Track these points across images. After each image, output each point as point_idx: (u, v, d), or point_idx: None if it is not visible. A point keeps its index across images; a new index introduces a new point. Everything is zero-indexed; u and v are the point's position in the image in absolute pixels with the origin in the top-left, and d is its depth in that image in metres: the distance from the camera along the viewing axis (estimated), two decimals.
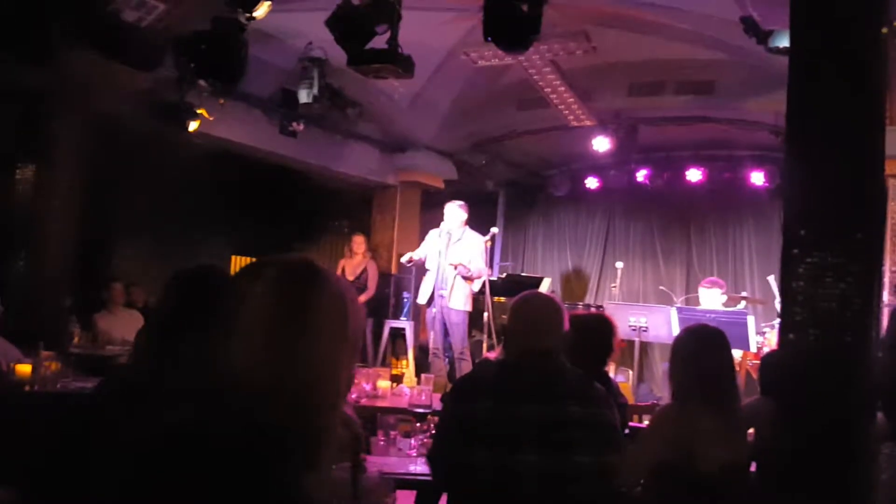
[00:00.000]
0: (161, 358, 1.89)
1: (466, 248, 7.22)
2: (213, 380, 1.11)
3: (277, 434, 1.07)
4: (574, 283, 11.11)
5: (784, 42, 5.12)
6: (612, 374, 4.98)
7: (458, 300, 7.20)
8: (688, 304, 8.12)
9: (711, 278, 7.65)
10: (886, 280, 5.61)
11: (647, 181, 9.76)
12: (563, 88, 7.75)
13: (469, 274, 7.14)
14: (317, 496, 1.08)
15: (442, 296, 7.17)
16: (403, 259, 7.50)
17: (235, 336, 1.11)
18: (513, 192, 11.64)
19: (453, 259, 7.11)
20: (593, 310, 7.65)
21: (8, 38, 5.30)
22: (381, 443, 3.45)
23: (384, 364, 8.11)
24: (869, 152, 2.68)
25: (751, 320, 6.28)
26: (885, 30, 2.71)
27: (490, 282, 7.41)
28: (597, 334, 3.52)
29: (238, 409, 1.07)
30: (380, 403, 4.78)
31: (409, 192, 10.04)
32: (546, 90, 7.78)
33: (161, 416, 1.17)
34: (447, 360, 7.35)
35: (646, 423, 4.19)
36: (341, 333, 1.16)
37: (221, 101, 7.09)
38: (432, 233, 7.43)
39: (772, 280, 7.48)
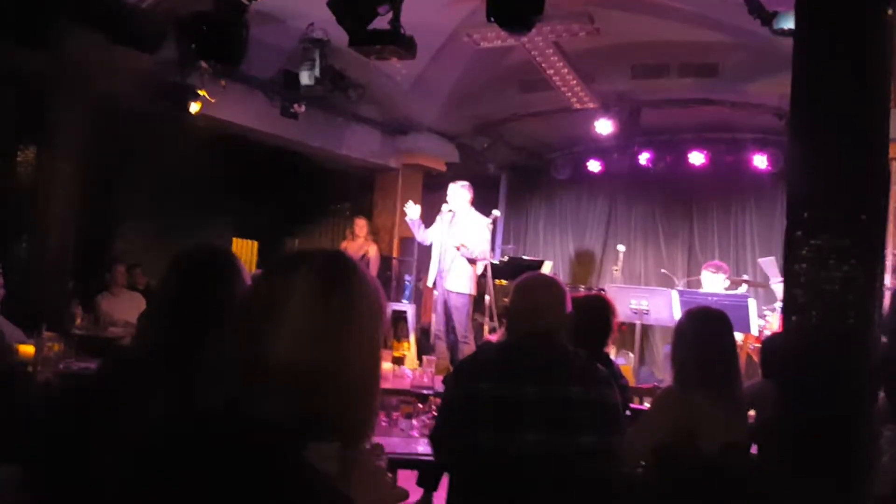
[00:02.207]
0: (164, 340, 1.89)
1: (468, 229, 7.21)
2: (253, 367, 1.12)
3: (318, 418, 1.11)
4: (576, 266, 11.11)
5: (789, 24, 5.09)
6: (613, 357, 5.00)
7: (457, 282, 7.20)
8: (689, 287, 8.12)
9: (716, 262, 7.63)
10: (889, 263, 5.60)
11: (650, 164, 9.72)
12: (565, 70, 7.72)
13: (471, 255, 7.13)
14: (350, 478, 1.11)
15: (443, 277, 7.19)
16: (408, 210, 7.46)
17: (280, 325, 1.14)
18: (515, 176, 11.61)
19: (454, 240, 7.11)
20: (594, 292, 7.65)
21: (8, 20, 5.28)
22: (384, 424, 3.47)
23: (385, 347, 8.10)
24: (873, 135, 2.67)
25: (752, 303, 6.28)
26: (889, 11, 2.69)
27: (492, 265, 7.41)
28: (595, 315, 3.52)
29: (283, 394, 1.10)
30: (382, 385, 4.79)
31: (410, 175, 10.01)
32: (549, 72, 7.75)
33: (184, 398, 1.19)
34: (449, 342, 7.36)
35: (647, 405, 4.20)
36: (378, 321, 1.22)
37: (223, 82, 7.07)
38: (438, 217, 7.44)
39: (764, 263, 7.49)
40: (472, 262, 7.22)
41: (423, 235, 7.50)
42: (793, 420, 2.67)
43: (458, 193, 7.32)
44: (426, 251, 7.59)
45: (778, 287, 7.04)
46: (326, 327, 1.14)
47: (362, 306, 1.19)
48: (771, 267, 7.36)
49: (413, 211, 7.41)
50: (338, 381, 1.14)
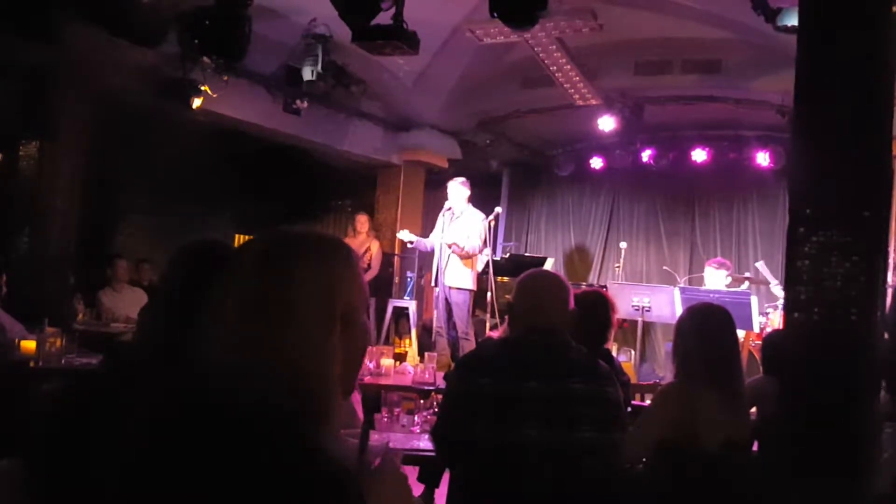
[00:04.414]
0: (164, 335, 1.88)
1: (465, 226, 7.23)
2: (207, 359, 1.11)
3: (274, 404, 1.07)
4: (577, 263, 11.11)
5: (792, 20, 5.07)
6: (614, 354, 5.00)
7: (454, 278, 7.21)
8: (691, 284, 8.12)
9: (719, 258, 7.65)
10: (892, 260, 5.59)
11: (652, 161, 9.71)
12: (568, 67, 7.70)
13: (461, 252, 7.14)
14: (318, 464, 1.08)
15: (442, 274, 7.20)
16: (403, 236, 7.60)
17: (222, 314, 1.12)
18: (517, 172, 11.60)
19: (449, 238, 7.14)
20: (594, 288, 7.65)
21: (11, 13, 5.27)
22: (385, 419, 3.47)
23: (387, 343, 8.13)
24: (876, 132, 2.66)
25: (754, 301, 6.27)
26: (894, 8, 2.68)
27: (493, 262, 7.42)
28: (595, 311, 3.51)
29: (228, 386, 1.08)
30: (383, 381, 4.81)
31: (412, 172, 10.01)
32: (552, 69, 7.73)
33: (169, 394, 1.18)
34: (450, 339, 7.37)
35: (648, 402, 4.20)
36: (326, 305, 1.12)
37: (225, 77, 7.06)
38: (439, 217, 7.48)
39: (760, 267, 7.53)
40: (468, 257, 7.23)
41: (417, 243, 7.59)
42: (794, 417, 2.67)
43: (457, 190, 7.35)
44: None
45: (779, 290, 7.07)
46: (263, 310, 1.10)
47: (299, 289, 1.11)
48: (766, 271, 7.41)
49: (405, 234, 7.59)
50: (273, 368, 1.08)
